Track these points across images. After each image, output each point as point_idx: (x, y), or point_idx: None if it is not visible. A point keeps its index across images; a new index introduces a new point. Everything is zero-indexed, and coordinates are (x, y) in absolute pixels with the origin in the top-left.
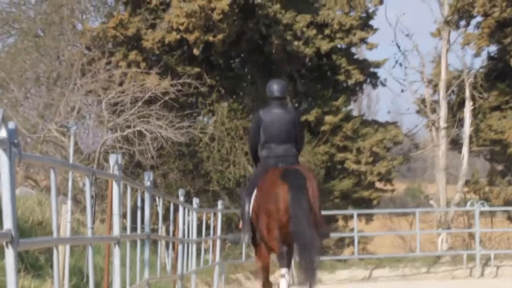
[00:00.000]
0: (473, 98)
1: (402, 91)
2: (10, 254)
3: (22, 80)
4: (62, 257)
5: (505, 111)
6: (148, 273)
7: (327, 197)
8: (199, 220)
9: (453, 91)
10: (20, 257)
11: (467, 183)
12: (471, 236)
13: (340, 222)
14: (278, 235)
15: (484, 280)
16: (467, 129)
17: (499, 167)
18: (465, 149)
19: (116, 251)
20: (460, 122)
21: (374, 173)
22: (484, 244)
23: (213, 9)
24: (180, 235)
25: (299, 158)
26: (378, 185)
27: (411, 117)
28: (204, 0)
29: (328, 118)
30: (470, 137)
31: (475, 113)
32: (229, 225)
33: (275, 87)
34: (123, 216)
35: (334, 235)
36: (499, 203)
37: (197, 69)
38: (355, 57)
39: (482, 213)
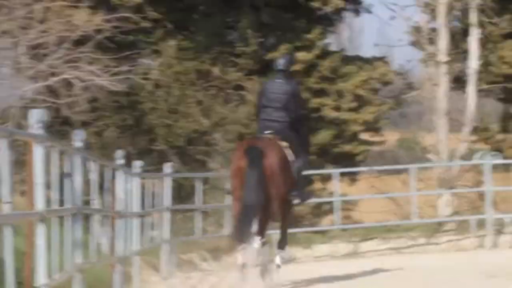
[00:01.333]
0: (481, 25)
1: (392, 18)
2: None
3: None
4: None
5: None
6: (80, 256)
7: None
8: (143, 188)
9: (456, 16)
10: None
11: (474, 130)
12: (481, 197)
13: (317, 184)
14: (237, 210)
15: (498, 251)
16: (473, 62)
17: None
18: (471, 88)
19: (40, 230)
20: (465, 55)
21: (359, 121)
22: (498, 206)
23: None
24: (119, 207)
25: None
26: (364, 136)
27: (404, 51)
28: None
29: (301, 55)
30: (478, 73)
31: (483, 43)
32: (180, 192)
33: (280, 61)
34: (48, 186)
35: (309, 201)
36: None
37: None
38: None
39: (494, 167)
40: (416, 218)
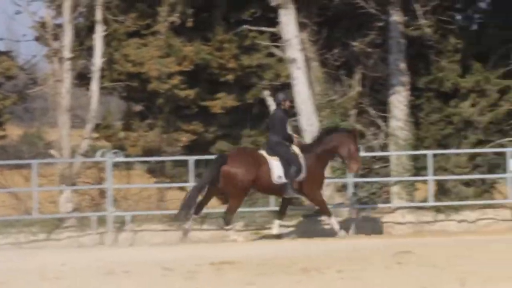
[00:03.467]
0: (106, 22)
1: (18, 12)
2: None
3: None
4: None
5: (145, 38)
6: None
7: None
8: None
9: (81, 12)
10: None
11: (97, 127)
12: (102, 194)
13: None
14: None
15: (118, 248)
16: (97, 60)
17: (138, 108)
18: (94, 85)
19: None
20: (90, 52)
21: None
22: (119, 204)
23: None
24: None
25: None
26: None
27: (30, 46)
28: None
29: None
30: (102, 70)
31: (108, 40)
32: None
33: (280, 96)
34: None
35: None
36: (136, 152)
37: None
38: None
39: (115, 165)
40: (37, 213)
